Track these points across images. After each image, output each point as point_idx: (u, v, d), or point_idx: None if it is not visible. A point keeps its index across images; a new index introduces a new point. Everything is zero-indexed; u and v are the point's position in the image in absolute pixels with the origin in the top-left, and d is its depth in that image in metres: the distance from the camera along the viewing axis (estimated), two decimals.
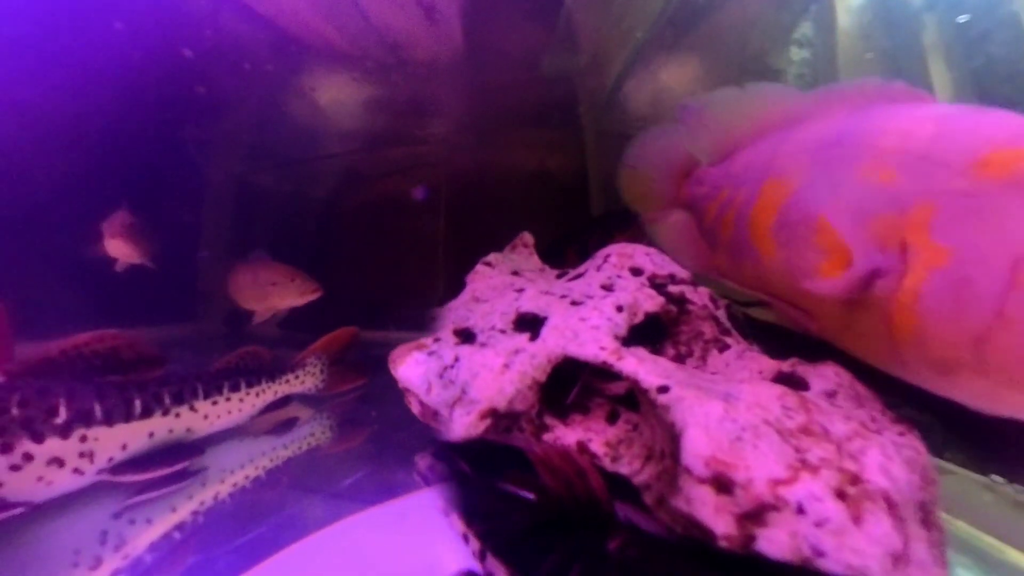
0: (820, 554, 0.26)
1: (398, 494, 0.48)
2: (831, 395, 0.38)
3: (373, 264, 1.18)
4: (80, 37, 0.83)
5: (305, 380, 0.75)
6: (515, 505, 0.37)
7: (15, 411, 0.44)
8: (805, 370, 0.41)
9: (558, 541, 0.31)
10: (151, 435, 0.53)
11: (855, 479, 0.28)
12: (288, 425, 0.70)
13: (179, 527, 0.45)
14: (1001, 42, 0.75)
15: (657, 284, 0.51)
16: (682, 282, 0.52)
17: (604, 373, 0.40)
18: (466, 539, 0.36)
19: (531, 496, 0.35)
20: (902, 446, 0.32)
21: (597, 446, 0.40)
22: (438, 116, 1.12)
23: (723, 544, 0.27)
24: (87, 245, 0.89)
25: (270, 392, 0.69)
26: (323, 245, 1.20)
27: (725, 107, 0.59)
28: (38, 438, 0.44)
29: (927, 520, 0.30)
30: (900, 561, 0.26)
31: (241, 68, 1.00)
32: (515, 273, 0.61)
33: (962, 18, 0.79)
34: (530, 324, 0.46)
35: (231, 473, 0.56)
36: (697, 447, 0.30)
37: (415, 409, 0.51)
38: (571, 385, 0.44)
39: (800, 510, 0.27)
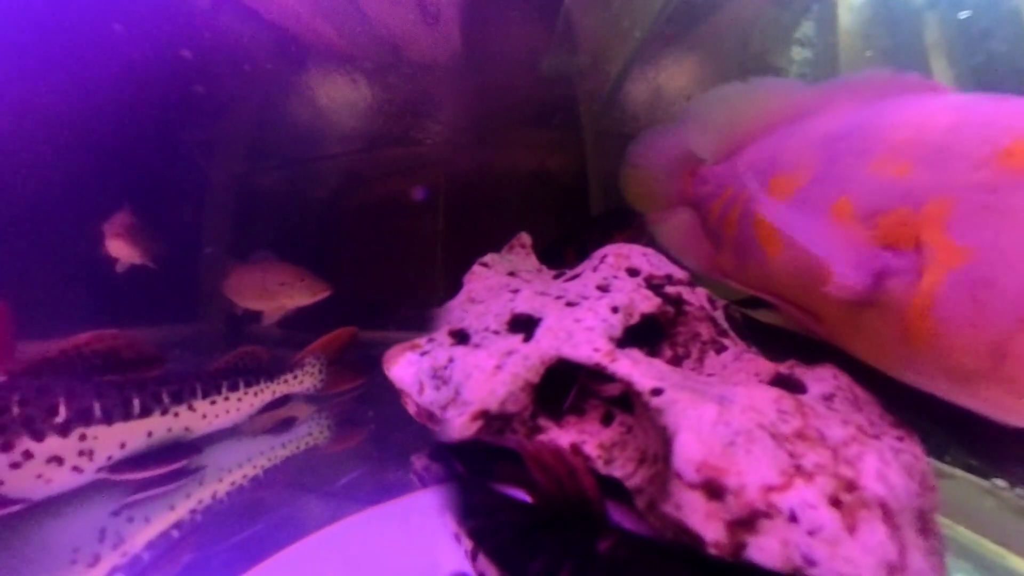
0: (812, 563, 0.25)
1: (395, 494, 0.48)
2: (829, 398, 0.37)
3: (372, 264, 1.18)
4: (80, 38, 0.84)
5: (304, 380, 0.75)
6: (507, 505, 0.37)
7: (15, 410, 0.45)
8: (803, 372, 0.40)
9: (548, 541, 0.31)
10: (150, 434, 0.54)
11: (851, 486, 0.27)
12: (286, 425, 0.71)
13: (177, 525, 0.46)
14: (1003, 39, 0.74)
15: (654, 285, 0.51)
16: (679, 283, 0.52)
17: (600, 374, 0.40)
18: (458, 539, 0.36)
19: (524, 496, 0.35)
20: (900, 451, 0.32)
21: (591, 448, 0.40)
22: (438, 116, 1.12)
23: (713, 551, 0.27)
24: (88, 245, 0.90)
25: (268, 392, 0.69)
26: (323, 245, 1.21)
27: (728, 103, 0.58)
28: (38, 436, 0.45)
29: (925, 528, 0.29)
30: (895, 571, 0.25)
31: (241, 69, 1.01)
32: (511, 274, 0.61)
33: (963, 14, 0.78)
34: (524, 325, 0.45)
35: (229, 472, 0.56)
36: (688, 452, 0.29)
37: (411, 409, 0.51)
38: (568, 387, 0.44)
39: (793, 518, 0.26)
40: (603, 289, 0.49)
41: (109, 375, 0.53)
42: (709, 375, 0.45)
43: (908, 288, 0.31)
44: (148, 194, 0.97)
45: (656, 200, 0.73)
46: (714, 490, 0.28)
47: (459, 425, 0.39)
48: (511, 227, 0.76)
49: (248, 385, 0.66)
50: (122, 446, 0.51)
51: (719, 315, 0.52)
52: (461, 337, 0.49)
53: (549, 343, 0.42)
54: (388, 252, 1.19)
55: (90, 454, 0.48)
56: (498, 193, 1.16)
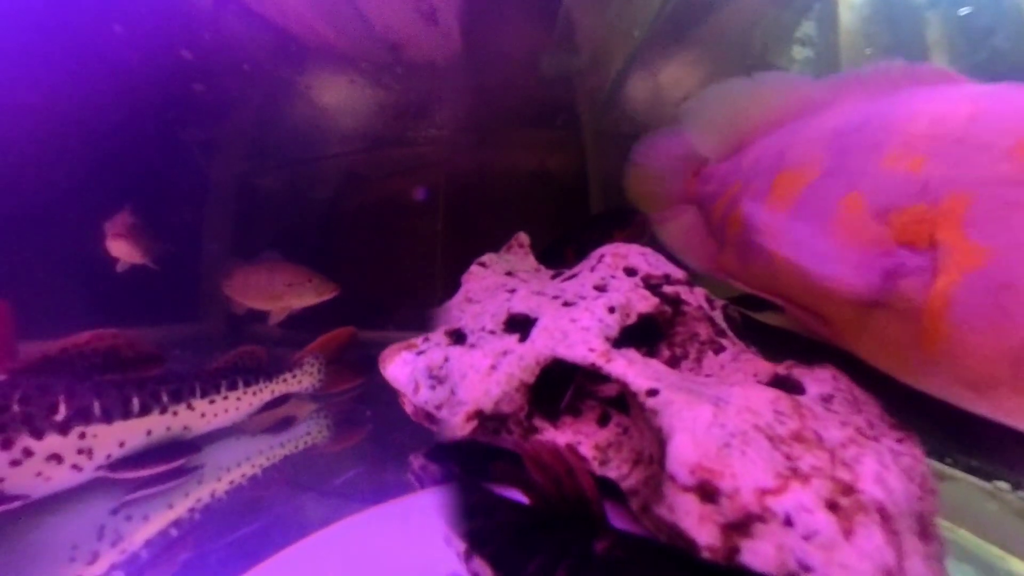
0: (807, 569, 0.24)
1: (393, 493, 0.48)
2: (827, 399, 0.36)
3: (372, 264, 1.18)
4: (82, 40, 0.85)
5: (303, 379, 0.75)
6: (504, 506, 0.37)
7: (16, 408, 0.45)
8: (801, 373, 0.39)
9: (545, 542, 0.31)
10: (149, 433, 0.54)
11: (848, 489, 0.27)
12: (285, 424, 0.71)
13: (175, 524, 0.46)
14: (1006, 36, 0.73)
15: (652, 285, 0.50)
16: (677, 282, 0.52)
17: (596, 375, 0.40)
18: (449, 542, 0.36)
19: (521, 496, 0.35)
20: (900, 454, 0.31)
21: (586, 449, 0.39)
22: (437, 117, 1.13)
23: (706, 555, 0.26)
24: (90, 245, 0.90)
25: (267, 391, 0.70)
26: (322, 245, 1.21)
27: (732, 99, 0.56)
28: (38, 434, 0.45)
29: (925, 532, 0.28)
30: None
31: (241, 69, 1.01)
32: (509, 274, 0.61)
33: (963, 10, 0.77)
34: (521, 325, 0.45)
35: (228, 471, 0.56)
36: (682, 453, 0.29)
37: (408, 409, 0.51)
38: (565, 387, 0.44)
39: (788, 522, 0.26)
40: (600, 289, 0.49)
41: (109, 374, 0.54)
42: (707, 376, 0.45)
43: (922, 289, 0.29)
44: (149, 194, 0.98)
45: (659, 199, 0.72)
46: (708, 492, 0.28)
47: (453, 425, 0.39)
48: (511, 227, 0.76)
49: (247, 384, 0.66)
50: (121, 445, 0.51)
51: (717, 315, 0.51)
52: (457, 337, 0.49)
53: (544, 343, 0.42)
54: (388, 252, 1.19)
55: (89, 452, 0.48)
56: (498, 193, 1.16)
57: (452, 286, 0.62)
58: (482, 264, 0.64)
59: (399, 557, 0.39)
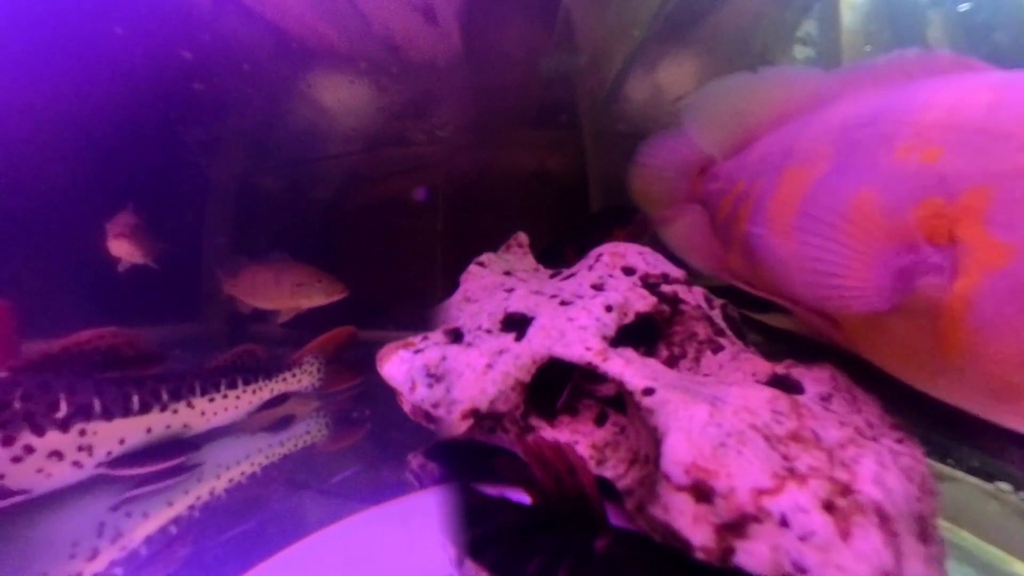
0: (802, 570, 0.24)
1: (391, 492, 0.48)
2: (826, 399, 0.36)
3: (372, 264, 1.19)
4: (83, 41, 0.86)
5: (302, 378, 0.76)
6: (502, 505, 0.37)
7: (18, 405, 0.46)
8: (800, 373, 0.39)
9: (544, 541, 0.31)
10: (149, 430, 0.54)
11: (846, 490, 0.27)
12: (284, 423, 0.71)
13: (175, 521, 0.46)
14: (1007, 32, 0.72)
15: (650, 284, 0.50)
16: (676, 281, 0.51)
17: (594, 374, 0.40)
18: (449, 541, 0.36)
19: (520, 494, 0.35)
20: (900, 454, 0.30)
21: (583, 448, 0.39)
22: (437, 117, 1.13)
23: (700, 556, 0.26)
24: (92, 245, 0.91)
25: (267, 390, 0.70)
26: (323, 245, 1.22)
27: (736, 95, 0.54)
28: (39, 431, 0.46)
29: (924, 533, 0.28)
30: None
31: (241, 70, 1.02)
32: (507, 273, 0.61)
33: (963, 7, 0.76)
34: (517, 324, 0.45)
35: (227, 469, 0.57)
36: (677, 453, 0.29)
37: (406, 408, 0.52)
38: (563, 386, 0.43)
39: (784, 522, 0.25)
40: (598, 288, 0.49)
41: (109, 372, 0.54)
42: (705, 375, 0.44)
43: (939, 290, 0.27)
44: (150, 194, 0.99)
45: (664, 199, 0.70)
46: (703, 493, 0.27)
47: (449, 423, 0.39)
48: (510, 227, 0.76)
49: (247, 383, 0.67)
50: (121, 442, 0.52)
51: (716, 314, 0.51)
52: (455, 336, 0.49)
53: (541, 342, 0.41)
54: (388, 252, 1.20)
55: (90, 449, 0.49)
56: (498, 193, 1.16)
57: (452, 286, 0.62)
58: (480, 264, 0.64)
59: (399, 557, 0.39)
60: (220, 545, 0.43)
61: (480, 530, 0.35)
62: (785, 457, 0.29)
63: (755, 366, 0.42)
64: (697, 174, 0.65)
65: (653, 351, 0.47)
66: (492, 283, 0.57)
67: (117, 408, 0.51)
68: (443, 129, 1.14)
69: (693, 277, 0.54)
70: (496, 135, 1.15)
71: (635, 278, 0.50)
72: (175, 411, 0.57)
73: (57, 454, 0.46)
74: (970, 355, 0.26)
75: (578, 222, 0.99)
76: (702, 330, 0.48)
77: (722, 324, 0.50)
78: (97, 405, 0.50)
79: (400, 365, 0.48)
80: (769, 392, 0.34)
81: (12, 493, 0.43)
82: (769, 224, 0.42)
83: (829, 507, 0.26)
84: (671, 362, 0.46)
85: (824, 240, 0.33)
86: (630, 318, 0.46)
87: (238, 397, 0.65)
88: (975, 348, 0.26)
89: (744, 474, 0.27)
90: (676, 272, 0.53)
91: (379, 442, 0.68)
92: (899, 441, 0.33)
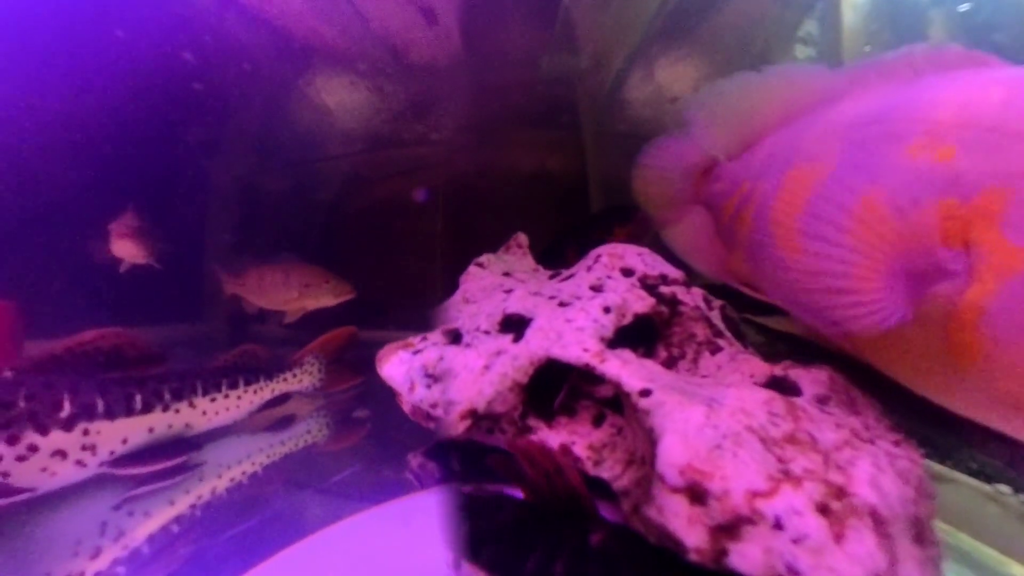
0: (795, 573, 0.24)
1: (391, 492, 0.49)
2: (823, 400, 0.36)
3: (372, 264, 1.19)
4: (84, 44, 0.86)
5: (303, 378, 0.76)
6: (498, 502, 0.37)
7: (22, 405, 0.46)
8: (798, 374, 0.39)
9: (540, 538, 0.31)
10: (151, 430, 0.55)
11: (840, 492, 0.27)
12: (285, 422, 0.72)
13: (177, 520, 0.47)
14: (1008, 32, 0.72)
15: (648, 285, 0.50)
16: (674, 283, 0.51)
17: (592, 375, 0.40)
18: (447, 541, 0.36)
19: (515, 491, 0.35)
20: (896, 456, 0.30)
21: (580, 449, 0.40)
22: (437, 117, 1.13)
23: (694, 557, 0.26)
24: (94, 246, 0.92)
25: (268, 390, 0.70)
26: (323, 245, 1.22)
27: (740, 94, 0.53)
28: (43, 431, 0.46)
29: (921, 536, 0.28)
30: None
31: (242, 71, 1.02)
32: (506, 274, 0.61)
33: (963, 7, 0.76)
34: (516, 325, 0.45)
35: (228, 468, 0.57)
36: (672, 454, 0.29)
37: (406, 408, 0.52)
38: (562, 387, 0.44)
39: (778, 525, 0.25)
40: (596, 289, 0.49)
41: (112, 372, 0.55)
42: (703, 376, 0.44)
43: (953, 296, 0.25)
44: (151, 195, 0.99)
45: (667, 201, 0.69)
46: (697, 494, 0.27)
47: (447, 424, 0.39)
48: (511, 227, 0.76)
49: (248, 383, 0.67)
50: (124, 441, 0.52)
51: (715, 315, 0.51)
52: (454, 337, 0.50)
53: (539, 343, 0.42)
54: (388, 252, 1.20)
55: (93, 449, 0.49)
56: (498, 193, 1.16)
57: (452, 286, 0.62)
58: (480, 265, 0.64)
59: (399, 557, 0.39)
60: (221, 544, 0.43)
61: (477, 528, 0.35)
62: (780, 459, 0.29)
63: (753, 367, 0.42)
64: (701, 175, 0.64)
65: (651, 352, 0.47)
66: (491, 284, 0.57)
67: (120, 408, 0.52)
68: (443, 130, 1.15)
69: (692, 278, 0.54)
70: (496, 135, 1.15)
71: (634, 279, 0.51)
72: (177, 411, 0.58)
73: (61, 453, 0.47)
74: (985, 365, 0.25)
75: (578, 222, 0.99)
76: (700, 331, 0.48)
77: (721, 325, 0.50)
78: (100, 405, 0.50)
79: (399, 366, 0.48)
80: (766, 394, 0.34)
81: (16, 491, 0.44)
82: (774, 227, 0.41)
83: (823, 510, 0.26)
84: (669, 363, 0.46)
85: (831, 242, 0.32)
86: (628, 319, 0.46)
87: (239, 397, 0.66)
88: (990, 358, 0.24)
89: (739, 476, 0.27)
90: (675, 273, 0.53)
91: (379, 442, 0.68)
92: (896, 443, 0.33)
